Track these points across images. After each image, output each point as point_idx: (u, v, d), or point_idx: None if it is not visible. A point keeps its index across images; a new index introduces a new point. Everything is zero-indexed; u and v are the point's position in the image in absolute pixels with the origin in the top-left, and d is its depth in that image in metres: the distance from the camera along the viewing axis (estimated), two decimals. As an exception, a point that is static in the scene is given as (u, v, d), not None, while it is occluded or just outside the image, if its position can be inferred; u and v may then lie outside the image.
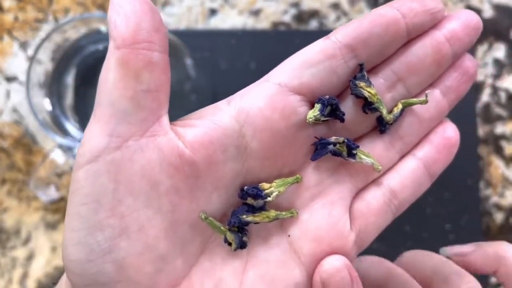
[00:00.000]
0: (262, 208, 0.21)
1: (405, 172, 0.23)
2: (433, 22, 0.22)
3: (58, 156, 0.34)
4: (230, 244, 0.21)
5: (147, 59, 0.19)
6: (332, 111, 0.21)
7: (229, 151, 0.20)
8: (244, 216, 0.20)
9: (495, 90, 0.44)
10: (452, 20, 0.22)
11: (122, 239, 0.19)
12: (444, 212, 0.42)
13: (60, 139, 0.33)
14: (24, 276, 0.43)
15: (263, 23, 0.45)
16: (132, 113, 0.19)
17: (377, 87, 0.22)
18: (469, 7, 0.45)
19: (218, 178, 0.20)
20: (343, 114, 0.22)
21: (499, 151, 0.44)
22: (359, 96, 0.22)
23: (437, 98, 0.23)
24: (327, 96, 0.21)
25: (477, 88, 0.44)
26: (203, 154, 0.20)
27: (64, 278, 0.22)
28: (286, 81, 0.21)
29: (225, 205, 0.21)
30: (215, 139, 0.20)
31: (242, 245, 0.21)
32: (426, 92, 0.23)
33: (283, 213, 0.21)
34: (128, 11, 0.19)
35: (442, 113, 0.24)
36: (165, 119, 0.20)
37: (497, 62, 0.45)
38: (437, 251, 0.42)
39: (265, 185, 0.21)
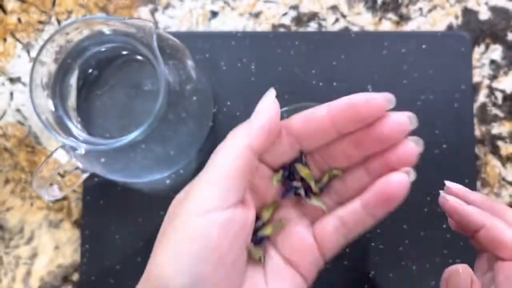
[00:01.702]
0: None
1: (349, 210, 0.28)
2: (363, 124, 0.26)
3: (61, 156, 0.35)
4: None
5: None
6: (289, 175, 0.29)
7: None
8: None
9: (491, 91, 0.45)
10: (383, 123, 0.27)
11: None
12: (441, 211, 0.42)
13: (63, 139, 0.33)
14: (27, 274, 0.44)
15: (263, 25, 0.46)
16: (240, 191, 0.25)
17: (311, 165, 0.29)
18: (466, 9, 0.46)
19: None
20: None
21: (495, 151, 0.44)
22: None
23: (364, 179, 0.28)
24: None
25: (474, 89, 0.45)
26: None
27: None
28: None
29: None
30: None
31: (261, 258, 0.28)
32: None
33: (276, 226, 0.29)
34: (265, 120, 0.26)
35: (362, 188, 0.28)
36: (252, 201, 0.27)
37: (493, 63, 0.45)
38: (434, 249, 0.43)
39: (265, 231, 0.28)
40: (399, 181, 0.26)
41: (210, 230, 0.24)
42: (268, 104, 0.26)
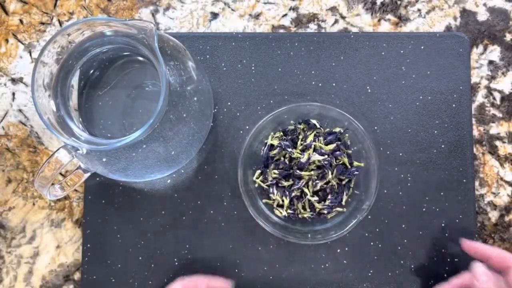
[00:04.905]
0: None
1: None
2: None
3: (62, 156, 0.35)
4: None
5: None
6: None
7: None
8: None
9: (490, 91, 0.45)
10: None
11: None
12: (440, 211, 0.43)
13: (65, 139, 0.34)
14: (29, 273, 0.44)
15: (263, 27, 0.46)
16: None
17: None
18: (465, 10, 0.46)
19: None
20: None
21: (494, 151, 0.45)
22: None
23: None
24: None
25: (472, 89, 0.45)
26: None
27: None
28: None
29: None
30: None
31: None
32: None
33: None
34: None
35: None
36: None
37: (491, 64, 0.45)
38: (433, 248, 0.43)
39: None
40: None
41: None
42: None
